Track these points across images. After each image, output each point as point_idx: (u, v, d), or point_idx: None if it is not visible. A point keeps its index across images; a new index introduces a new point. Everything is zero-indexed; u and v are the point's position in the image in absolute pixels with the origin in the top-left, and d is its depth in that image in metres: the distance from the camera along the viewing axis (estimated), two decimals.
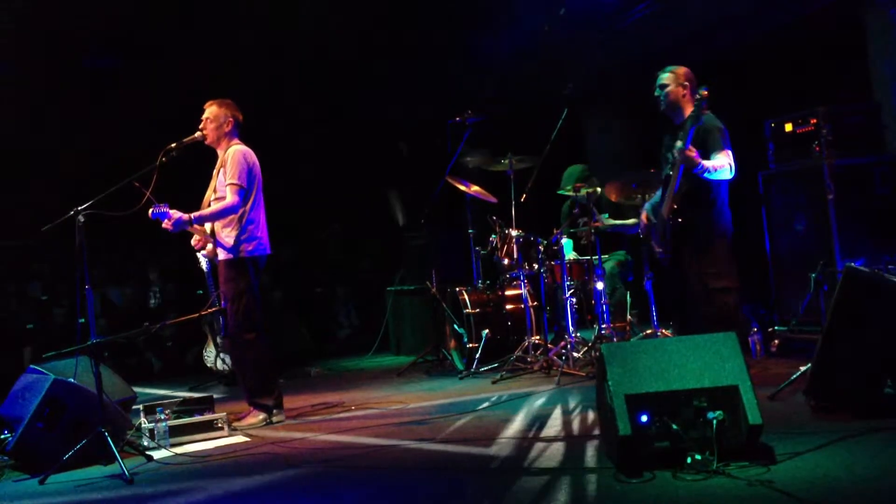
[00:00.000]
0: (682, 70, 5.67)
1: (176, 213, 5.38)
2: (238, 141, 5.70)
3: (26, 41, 8.31)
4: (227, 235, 5.55)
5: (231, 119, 5.67)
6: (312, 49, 9.30)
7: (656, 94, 5.69)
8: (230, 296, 5.55)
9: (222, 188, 5.57)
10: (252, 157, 5.64)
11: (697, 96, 5.24)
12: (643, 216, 5.95)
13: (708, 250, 5.51)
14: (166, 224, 5.40)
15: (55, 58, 8.83)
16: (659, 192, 5.98)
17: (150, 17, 8.55)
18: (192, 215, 5.45)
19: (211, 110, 5.66)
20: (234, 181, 5.49)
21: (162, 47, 9.00)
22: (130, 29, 8.74)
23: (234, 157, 5.55)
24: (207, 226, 5.67)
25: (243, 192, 5.51)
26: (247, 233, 5.54)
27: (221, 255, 5.60)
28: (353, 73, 9.91)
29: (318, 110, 10.55)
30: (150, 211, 5.33)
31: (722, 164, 5.38)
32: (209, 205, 5.64)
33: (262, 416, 5.60)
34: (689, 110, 5.62)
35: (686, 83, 5.64)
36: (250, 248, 5.55)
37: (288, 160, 9.91)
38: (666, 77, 5.66)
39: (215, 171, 5.70)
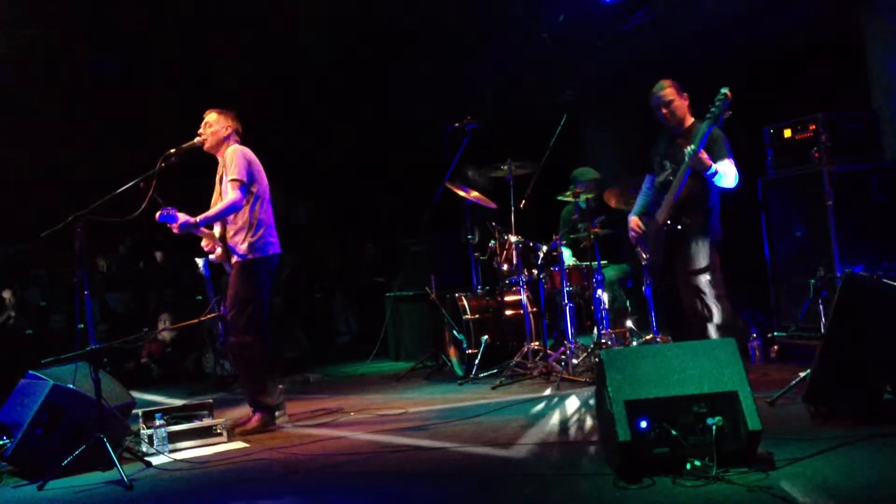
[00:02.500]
0: (674, 81, 5.70)
1: (182, 216, 5.41)
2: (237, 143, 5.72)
3: (27, 45, 8.32)
4: (239, 238, 5.56)
5: (230, 127, 5.69)
6: (311, 54, 9.31)
7: (663, 111, 5.66)
8: (238, 299, 5.54)
9: (225, 189, 5.59)
10: (251, 155, 5.66)
11: (721, 96, 5.24)
12: (633, 223, 5.95)
13: (700, 256, 5.53)
14: (174, 227, 5.42)
15: (56, 62, 8.84)
16: (640, 201, 6.00)
17: (150, 19, 8.56)
18: (199, 218, 5.47)
19: (211, 117, 5.68)
20: (234, 177, 5.50)
21: (163, 50, 9.01)
22: (131, 32, 8.75)
23: (232, 155, 5.57)
24: (217, 229, 5.67)
25: (245, 188, 5.51)
26: (258, 234, 5.55)
27: (234, 258, 5.61)
28: (352, 78, 9.92)
29: (318, 114, 10.57)
30: (158, 214, 5.34)
31: (728, 171, 5.41)
32: (220, 194, 5.65)
33: (265, 418, 5.62)
34: (688, 120, 5.65)
35: (685, 94, 5.67)
36: (260, 247, 5.56)
37: (287, 163, 9.92)
38: (667, 91, 5.65)
39: (217, 178, 5.71)
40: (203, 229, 5.59)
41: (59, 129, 9.52)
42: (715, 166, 5.36)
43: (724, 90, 5.23)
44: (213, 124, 5.66)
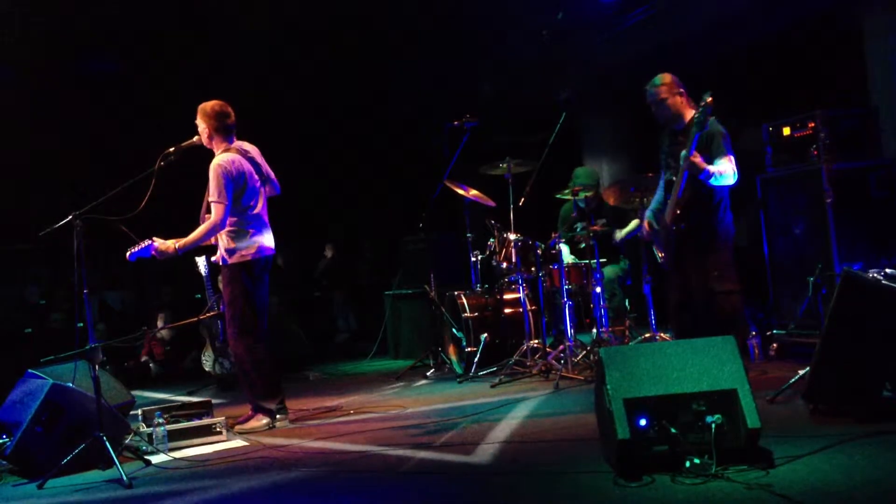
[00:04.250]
0: (669, 77, 5.70)
1: (162, 245, 5.35)
2: (226, 146, 5.58)
3: (26, 44, 8.32)
4: (224, 242, 5.56)
5: (209, 125, 5.56)
6: (310, 53, 9.31)
7: (654, 109, 5.70)
8: (227, 300, 5.58)
9: (207, 208, 5.57)
10: (232, 165, 5.46)
11: (703, 103, 5.22)
12: (645, 223, 5.98)
13: (711, 254, 5.53)
14: (154, 255, 5.37)
15: (55, 61, 8.83)
16: (657, 197, 6.00)
17: (150, 18, 8.55)
18: (178, 245, 5.39)
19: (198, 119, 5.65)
20: (215, 199, 5.42)
21: (162, 49, 9.01)
22: (130, 31, 8.74)
23: (211, 172, 5.46)
24: None
25: (228, 208, 5.43)
26: (241, 239, 5.51)
27: (221, 260, 5.62)
28: (351, 77, 9.92)
29: (317, 113, 10.57)
30: (128, 254, 5.34)
31: (725, 170, 5.40)
32: (208, 206, 5.62)
33: (265, 420, 5.61)
34: (689, 114, 5.62)
35: (681, 89, 5.67)
36: (244, 253, 5.52)
37: (286, 163, 9.92)
38: (659, 89, 5.67)
39: None
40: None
41: (58, 130, 9.51)
42: (710, 168, 5.35)
43: (706, 96, 5.22)
44: (199, 127, 5.61)
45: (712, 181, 5.37)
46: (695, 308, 5.61)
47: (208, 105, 5.61)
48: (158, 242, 5.36)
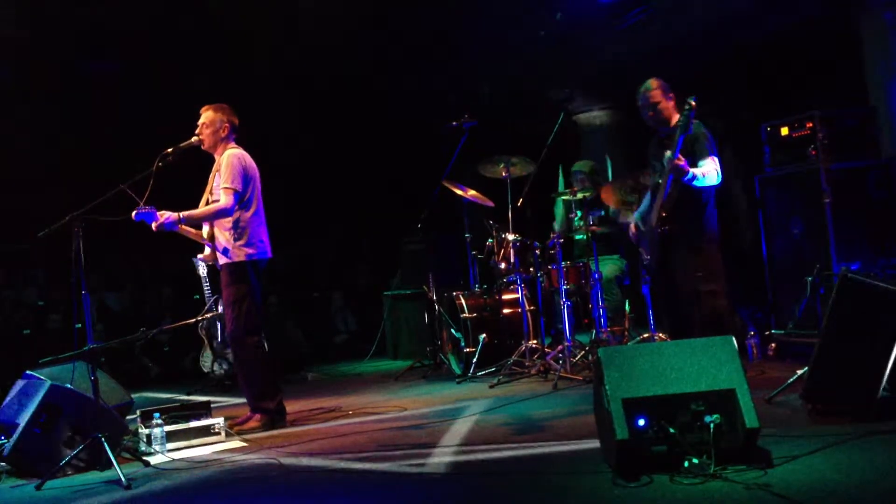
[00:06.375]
0: (660, 82, 5.73)
1: (164, 214, 5.36)
2: (234, 145, 5.70)
3: (26, 44, 8.31)
4: (227, 240, 5.55)
5: (227, 124, 5.66)
6: (310, 53, 9.31)
7: (649, 112, 5.71)
8: (231, 300, 5.55)
9: (218, 191, 5.58)
10: (247, 160, 5.64)
11: (686, 106, 5.26)
12: (632, 225, 5.99)
13: (697, 254, 5.55)
14: (153, 226, 5.38)
15: (55, 61, 8.83)
16: (646, 201, 6.02)
17: (150, 19, 8.55)
18: (182, 214, 5.43)
19: (207, 115, 5.66)
20: (228, 185, 5.49)
21: (162, 50, 9.00)
22: (131, 32, 8.74)
23: (228, 160, 5.55)
24: (206, 230, 5.67)
25: (238, 196, 5.50)
26: (246, 237, 5.55)
27: (221, 259, 5.61)
28: (350, 77, 9.92)
29: (316, 114, 10.56)
30: (134, 213, 5.32)
31: (709, 171, 5.43)
32: (207, 203, 5.63)
33: (264, 420, 5.61)
34: (675, 118, 5.65)
35: (671, 94, 5.70)
36: (250, 251, 5.55)
37: (285, 163, 9.91)
38: (653, 93, 5.70)
39: (211, 176, 5.70)
40: (189, 229, 5.58)
41: (58, 130, 9.50)
42: (694, 170, 5.37)
43: (690, 100, 5.26)
44: (210, 124, 5.64)
45: (696, 183, 5.40)
46: (682, 308, 5.62)
47: (225, 104, 5.72)
48: (162, 212, 5.35)
